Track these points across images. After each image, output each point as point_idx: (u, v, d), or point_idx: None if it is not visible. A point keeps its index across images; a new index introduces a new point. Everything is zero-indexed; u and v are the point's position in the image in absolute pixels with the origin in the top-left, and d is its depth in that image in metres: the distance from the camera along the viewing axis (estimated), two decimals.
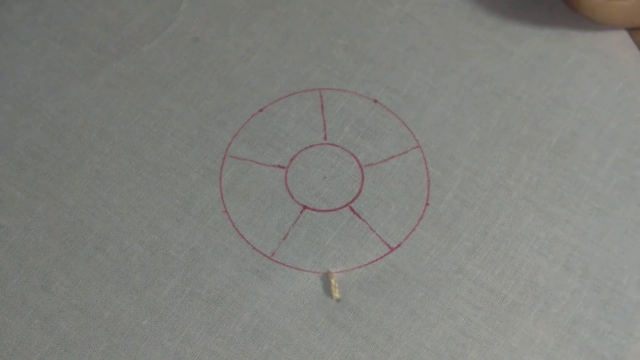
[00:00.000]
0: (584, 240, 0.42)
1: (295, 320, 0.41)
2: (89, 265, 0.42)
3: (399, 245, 0.43)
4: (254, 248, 0.43)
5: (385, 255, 0.42)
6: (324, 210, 0.44)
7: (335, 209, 0.44)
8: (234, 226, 0.43)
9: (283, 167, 0.45)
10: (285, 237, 0.43)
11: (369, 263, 0.42)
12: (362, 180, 0.44)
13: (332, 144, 0.45)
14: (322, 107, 0.46)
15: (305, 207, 0.44)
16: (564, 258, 0.42)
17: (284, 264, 0.42)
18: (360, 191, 0.44)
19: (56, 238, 0.43)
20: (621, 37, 0.48)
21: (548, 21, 0.48)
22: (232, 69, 0.48)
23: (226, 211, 0.44)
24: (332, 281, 0.42)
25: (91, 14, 0.50)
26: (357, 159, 0.45)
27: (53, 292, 0.42)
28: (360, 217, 0.43)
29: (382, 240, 0.43)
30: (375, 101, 0.46)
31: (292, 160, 0.45)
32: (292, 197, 0.44)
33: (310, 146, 0.45)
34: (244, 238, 0.43)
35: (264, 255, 0.43)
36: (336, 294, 0.41)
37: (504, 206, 0.43)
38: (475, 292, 0.41)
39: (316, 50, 0.48)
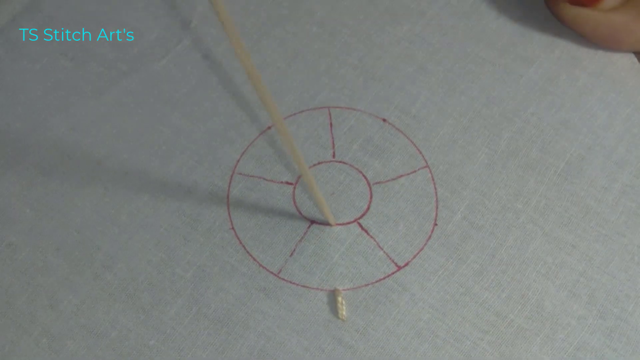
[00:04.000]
0: (590, 266, 0.42)
1: (302, 340, 0.41)
2: (96, 284, 0.42)
3: (406, 264, 0.43)
4: (260, 265, 0.43)
5: (392, 273, 0.43)
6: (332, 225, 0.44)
7: (343, 224, 0.44)
8: (240, 243, 0.43)
9: (291, 184, 0.45)
10: (292, 254, 0.43)
11: (377, 281, 0.42)
12: (371, 197, 0.44)
13: (340, 162, 0.46)
14: (331, 125, 0.47)
15: (312, 222, 0.44)
16: (570, 284, 0.42)
17: (290, 282, 0.42)
18: (368, 208, 0.44)
19: (64, 256, 0.43)
20: (630, 62, 0.48)
21: (557, 44, 0.48)
22: (241, 87, 0.48)
23: (233, 228, 0.44)
24: (339, 299, 0.42)
25: (102, 31, 0.50)
26: (365, 177, 0.45)
27: (61, 311, 0.42)
28: (368, 234, 0.43)
29: (390, 259, 0.43)
30: (384, 120, 0.46)
31: (300, 176, 0.45)
32: (300, 213, 0.44)
33: (319, 163, 0.46)
34: (250, 255, 0.43)
35: (271, 272, 0.43)
36: (343, 313, 0.41)
37: (511, 229, 0.43)
38: (482, 316, 0.41)
39: (325, 69, 0.48)
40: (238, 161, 0.46)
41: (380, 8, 0.50)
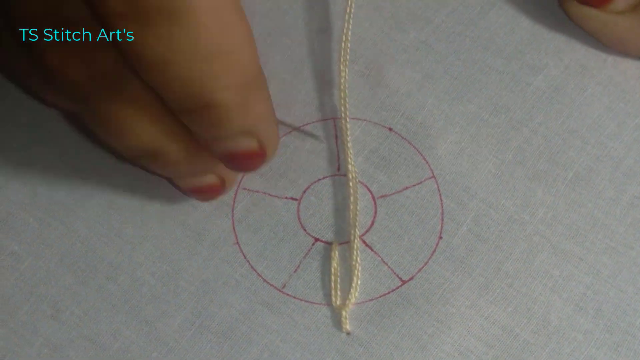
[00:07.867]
0: (597, 279, 0.42)
1: (305, 354, 0.41)
2: (99, 295, 0.42)
3: (411, 279, 0.42)
4: (264, 280, 0.43)
5: (397, 288, 0.42)
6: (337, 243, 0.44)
7: (347, 242, 0.43)
8: (245, 258, 0.43)
9: (296, 200, 0.45)
10: (296, 270, 0.43)
11: (381, 296, 0.42)
12: (375, 212, 0.44)
13: (345, 175, 0.45)
14: (335, 137, 0.46)
15: (317, 239, 0.44)
16: (577, 297, 0.41)
17: (294, 297, 0.42)
18: (372, 223, 0.44)
19: (68, 267, 0.43)
20: (639, 71, 0.47)
21: (565, 53, 0.48)
22: None
23: (238, 243, 0.44)
24: (343, 313, 0.41)
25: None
26: (370, 191, 0.45)
27: (63, 322, 0.42)
28: (372, 250, 0.43)
29: (395, 273, 0.42)
30: (390, 129, 0.46)
31: (304, 192, 0.45)
32: (304, 230, 0.44)
33: (324, 178, 0.45)
34: (255, 270, 0.43)
35: (275, 287, 0.42)
36: (347, 327, 0.41)
37: (518, 242, 0.43)
38: (488, 330, 0.41)
39: (331, 78, 0.48)
40: (243, 176, 0.45)
41: (385, 15, 0.49)
